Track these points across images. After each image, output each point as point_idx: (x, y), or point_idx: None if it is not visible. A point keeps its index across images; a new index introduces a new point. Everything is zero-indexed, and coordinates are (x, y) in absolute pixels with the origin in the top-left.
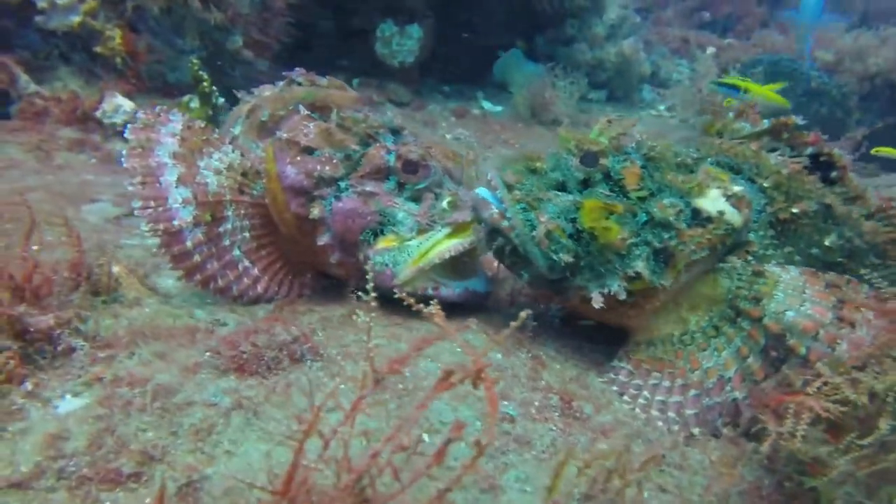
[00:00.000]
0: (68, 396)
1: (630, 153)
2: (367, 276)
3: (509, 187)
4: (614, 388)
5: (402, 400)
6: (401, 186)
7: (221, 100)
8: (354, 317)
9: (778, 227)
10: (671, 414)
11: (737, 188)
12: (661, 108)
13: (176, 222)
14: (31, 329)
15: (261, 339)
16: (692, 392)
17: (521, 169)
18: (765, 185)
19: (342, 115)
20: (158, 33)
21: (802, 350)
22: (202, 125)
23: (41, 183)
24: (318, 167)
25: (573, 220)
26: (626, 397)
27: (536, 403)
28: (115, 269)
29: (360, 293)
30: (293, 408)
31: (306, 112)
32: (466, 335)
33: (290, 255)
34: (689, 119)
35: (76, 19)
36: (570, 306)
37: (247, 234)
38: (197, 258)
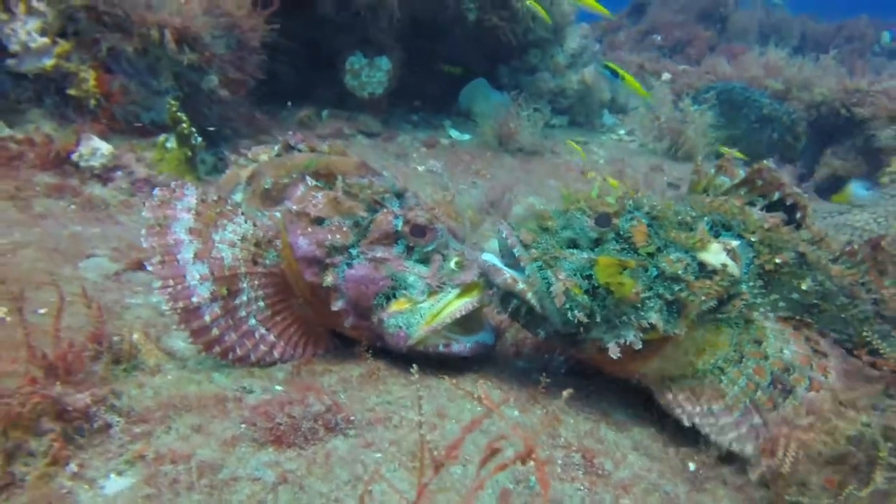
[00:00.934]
0: (113, 476)
1: (635, 212)
2: (384, 338)
3: (526, 247)
4: (686, 418)
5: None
6: (409, 250)
7: (199, 139)
8: (374, 378)
9: (764, 277)
10: (732, 435)
11: (734, 243)
12: (622, 132)
13: (195, 299)
14: (70, 408)
15: (296, 411)
16: (736, 413)
17: (533, 227)
18: (752, 239)
19: (348, 182)
20: (133, 74)
21: (806, 381)
22: (216, 198)
23: (30, 238)
24: (329, 237)
25: (588, 277)
26: (703, 426)
27: (560, 461)
28: (135, 336)
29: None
30: (336, 479)
31: (314, 182)
32: (480, 391)
33: (305, 316)
34: (648, 144)
35: (49, 62)
36: (583, 358)
37: (262, 304)
38: (215, 332)
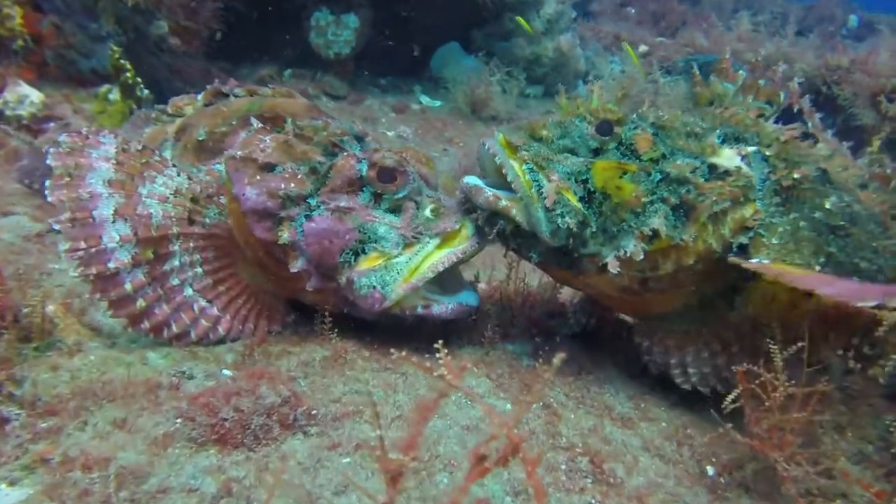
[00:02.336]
0: (3, 486)
1: (640, 121)
2: (355, 302)
3: (515, 149)
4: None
5: (422, 477)
6: (377, 198)
7: (146, 92)
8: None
9: (782, 195)
10: (726, 374)
11: (750, 148)
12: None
13: (112, 264)
14: None
15: (245, 403)
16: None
17: (525, 135)
18: (767, 153)
19: (299, 124)
20: (67, 14)
21: None
22: (140, 146)
23: None
24: (283, 185)
25: (584, 182)
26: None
27: (564, 467)
28: (50, 308)
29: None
30: (294, 491)
31: (259, 124)
32: (469, 380)
33: (256, 284)
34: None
35: None
36: (588, 288)
37: (199, 270)
38: (141, 303)
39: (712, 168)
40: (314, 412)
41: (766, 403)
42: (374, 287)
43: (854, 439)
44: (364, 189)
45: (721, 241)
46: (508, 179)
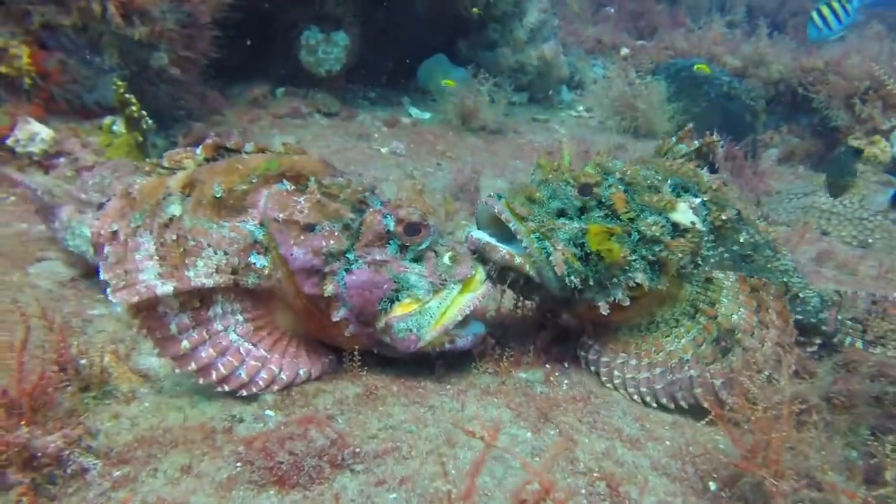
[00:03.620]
0: None
1: (610, 179)
2: (390, 344)
3: (522, 218)
4: (586, 364)
5: None
6: (403, 249)
7: (150, 122)
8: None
9: (714, 233)
10: (643, 389)
11: (696, 200)
12: (580, 108)
13: (157, 291)
14: (39, 455)
15: (298, 447)
16: (658, 370)
17: (523, 200)
18: (705, 198)
19: (324, 182)
20: (73, 51)
21: (747, 343)
22: (174, 236)
23: None
24: (324, 243)
25: (581, 245)
26: (599, 374)
27: (584, 491)
28: (106, 358)
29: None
30: None
31: (290, 186)
32: (492, 411)
33: (293, 330)
34: (606, 121)
35: None
36: (572, 316)
37: (240, 318)
38: (186, 344)
39: (675, 226)
40: (358, 450)
41: (745, 426)
42: (411, 330)
43: (839, 446)
44: (391, 242)
45: (678, 275)
46: (523, 246)
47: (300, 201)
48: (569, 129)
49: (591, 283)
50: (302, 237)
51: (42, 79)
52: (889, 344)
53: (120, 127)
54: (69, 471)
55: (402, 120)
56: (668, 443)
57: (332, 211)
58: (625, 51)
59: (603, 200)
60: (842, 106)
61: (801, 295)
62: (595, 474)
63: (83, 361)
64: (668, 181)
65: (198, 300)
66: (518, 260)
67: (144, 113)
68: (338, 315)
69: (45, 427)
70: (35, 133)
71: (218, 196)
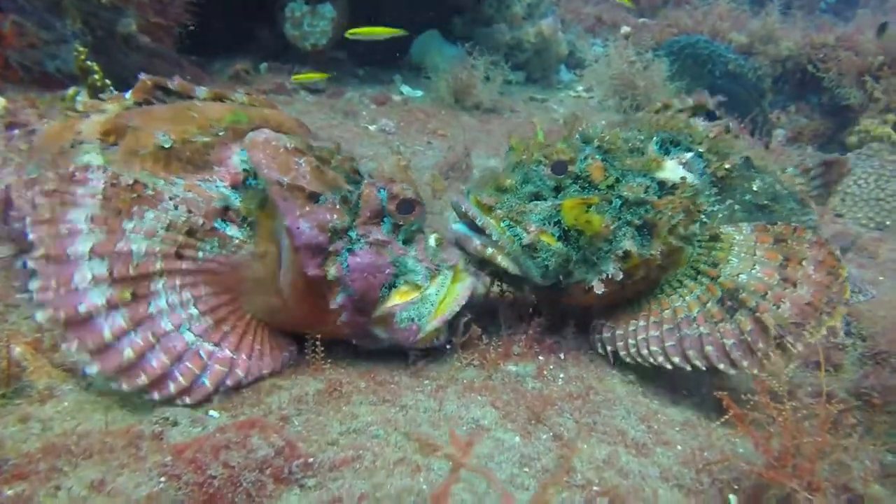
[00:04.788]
0: None
1: (586, 148)
2: (379, 335)
3: (489, 209)
4: (602, 346)
5: None
6: (396, 228)
7: (115, 92)
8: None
9: (718, 185)
10: (654, 348)
11: (687, 155)
12: (580, 88)
13: (82, 308)
14: None
15: (235, 457)
16: (666, 326)
17: (492, 190)
18: (700, 150)
19: (315, 145)
20: (29, 13)
21: (752, 303)
22: (132, 180)
23: None
24: (328, 217)
25: (558, 223)
26: (618, 351)
27: None
28: (18, 349)
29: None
30: None
31: (291, 143)
32: (474, 410)
33: (263, 316)
34: (607, 100)
35: None
36: (572, 303)
37: (194, 311)
38: (129, 353)
39: (662, 184)
40: (311, 461)
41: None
42: (413, 320)
43: (875, 449)
44: (385, 220)
45: (678, 237)
46: (493, 239)
47: (302, 164)
48: (567, 108)
49: (576, 260)
50: (307, 208)
51: None
52: None
53: (84, 96)
54: None
55: (393, 97)
56: (679, 447)
57: (331, 179)
58: (625, 29)
59: (580, 174)
60: (853, 83)
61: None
62: (595, 488)
63: None
64: (655, 138)
65: (130, 291)
66: (490, 250)
67: (108, 82)
68: (336, 301)
69: None
70: None
71: (166, 146)
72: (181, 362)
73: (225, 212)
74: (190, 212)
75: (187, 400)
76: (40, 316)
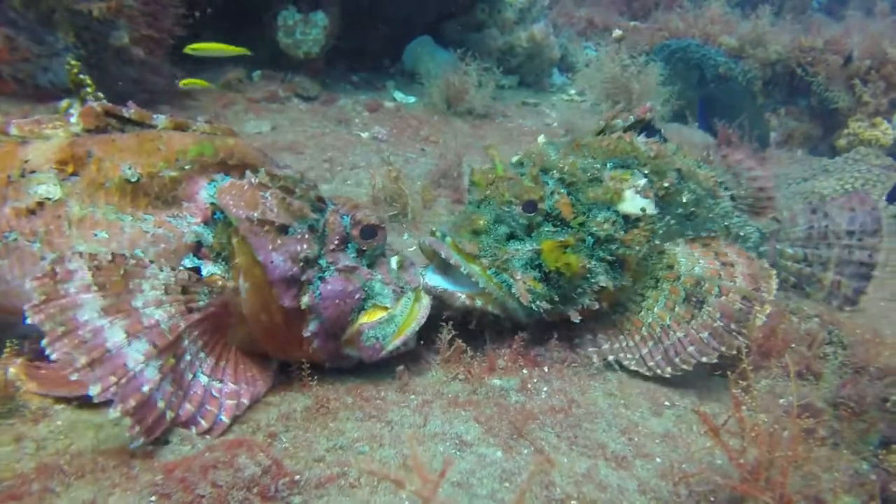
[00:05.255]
0: None
1: (551, 184)
2: (349, 355)
3: (474, 258)
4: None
5: None
6: (359, 252)
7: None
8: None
9: (659, 204)
10: (650, 363)
11: (641, 181)
12: (572, 92)
13: (146, 388)
14: None
15: (222, 477)
16: (650, 343)
17: (469, 235)
18: (646, 171)
19: (279, 174)
20: (22, 27)
21: (716, 289)
22: (110, 257)
23: None
24: (299, 248)
25: (538, 266)
26: (624, 361)
27: None
28: (12, 370)
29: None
30: None
31: (256, 178)
32: (458, 426)
33: (241, 345)
34: (599, 104)
35: None
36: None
37: (203, 355)
38: (170, 415)
39: (626, 218)
40: (297, 478)
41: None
42: (377, 339)
43: (849, 456)
44: (349, 245)
45: (640, 263)
46: (480, 286)
47: (268, 197)
48: (560, 112)
49: (557, 299)
50: (279, 241)
51: None
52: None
53: (77, 110)
54: None
55: (386, 104)
56: (658, 460)
57: (297, 210)
58: (617, 32)
59: (550, 212)
60: (842, 87)
61: (741, 234)
62: (573, 502)
63: None
64: (608, 164)
65: (172, 356)
66: (479, 301)
67: (101, 95)
68: (309, 329)
69: None
70: None
71: (134, 180)
72: (202, 406)
73: (198, 248)
74: (172, 269)
75: (208, 437)
76: (113, 413)
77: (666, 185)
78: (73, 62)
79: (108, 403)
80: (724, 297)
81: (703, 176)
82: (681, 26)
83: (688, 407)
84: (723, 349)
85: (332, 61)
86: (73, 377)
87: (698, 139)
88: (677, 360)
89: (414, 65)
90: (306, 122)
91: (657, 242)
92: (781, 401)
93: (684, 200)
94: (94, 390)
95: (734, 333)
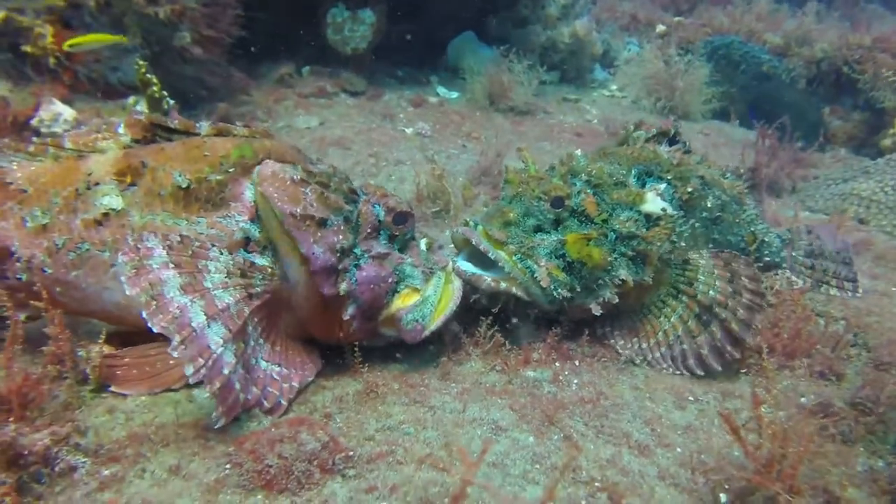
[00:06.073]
0: None
1: (578, 185)
2: (388, 335)
3: (502, 243)
4: (624, 353)
5: None
6: (392, 238)
7: (172, 102)
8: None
9: (684, 208)
10: (664, 364)
11: (661, 186)
12: (614, 87)
13: (226, 370)
14: (26, 452)
15: (287, 450)
16: (663, 349)
17: (500, 225)
18: (668, 177)
19: (314, 171)
20: (96, 30)
21: (723, 315)
22: (178, 236)
23: None
24: (336, 239)
25: (562, 256)
26: (637, 360)
27: (583, 503)
28: (102, 349)
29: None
30: None
31: (297, 174)
32: (494, 413)
33: (291, 331)
34: (640, 100)
35: None
36: (574, 317)
37: (262, 341)
38: (242, 397)
39: (648, 217)
40: (351, 454)
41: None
42: (417, 321)
43: (865, 454)
44: (381, 231)
45: (662, 262)
46: (506, 271)
47: (308, 193)
48: (600, 108)
49: (579, 289)
50: (319, 234)
51: (66, 58)
52: (817, 267)
53: (143, 106)
54: (57, 469)
55: (429, 99)
56: (679, 449)
57: (333, 203)
58: (661, 27)
59: (576, 209)
60: (889, 86)
61: (765, 240)
62: (597, 484)
63: (81, 353)
64: (632, 171)
65: (241, 341)
66: (504, 284)
67: (166, 93)
68: (348, 312)
69: (34, 424)
70: (58, 113)
71: (185, 186)
72: (265, 388)
73: (247, 243)
74: (230, 253)
75: (269, 417)
76: (205, 395)
77: (690, 189)
78: (140, 62)
79: (188, 385)
80: (730, 323)
81: (729, 185)
82: (725, 22)
83: (711, 402)
84: (718, 368)
85: (377, 57)
86: (174, 354)
87: (739, 137)
88: (682, 367)
89: (457, 61)
90: (353, 117)
91: (682, 245)
92: (802, 399)
93: (709, 205)
94: (189, 370)
95: (731, 354)
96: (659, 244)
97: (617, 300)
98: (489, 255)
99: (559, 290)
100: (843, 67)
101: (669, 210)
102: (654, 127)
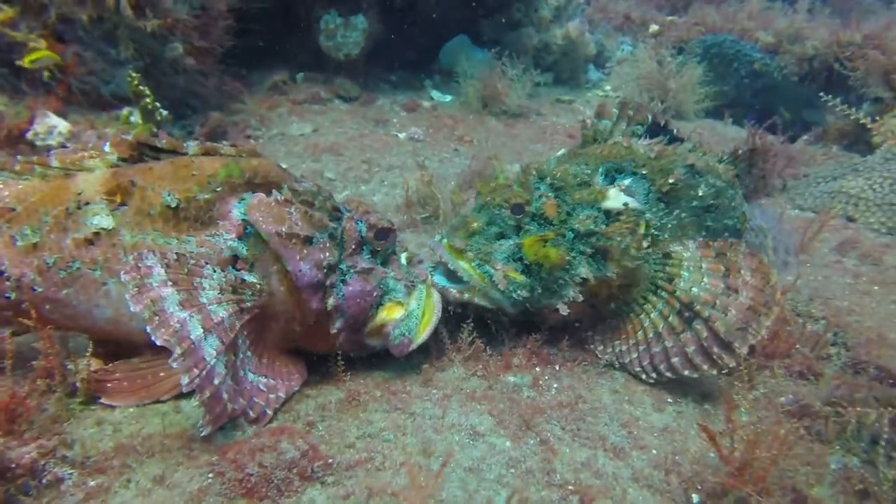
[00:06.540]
0: None
1: (539, 187)
2: (374, 347)
3: (461, 252)
4: (604, 358)
5: None
6: (374, 253)
7: (165, 113)
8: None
9: (664, 200)
10: (636, 368)
11: (626, 181)
12: (608, 88)
13: (216, 381)
14: (13, 465)
15: (268, 459)
16: (641, 347)
17: (464, 235)
18: (644, 172)
19: (298, 189)
20: (88, 43)
21: (706, 314)
22: (174, 255)
23: None
24: (322, 255)
25: (520, 259)
26: (626, 363)
27: None
28: (93, 363)
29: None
30: None
31: (281, 195)
32: (472, 418)
33: (278, 343)
34: (635, 100)
35: None
36: (552, 320)
37: (249, 353)
38: (230, 407)
39: (608, 213)
40: (330, 461)
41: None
42: (404, 335)
43: (840, 452)
44: (364, 247)
45: (632, 259)
46: (464, 280)
47: (293, 212)
48: (594, 109)
49: (540, 290)
50: (305, 251)
51: (60, 71)
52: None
53: (137, 118)
54: (44, 481)
55: (423, 104)
56: (654, 451)
57: (318, 221)
58: (654, 27)
59: (536, 213)
60: (880, 83)
61: (747, 213)
62: (570, 487)
63: (70, 367)
64: (601, 169)
65: (232, 353)
66: (466, 295)
67: (158, 105)
68: (335, 326)
69: (23, 438)
70: (53, 126)
71: (174, 206)
72: (252, 399)
73: (235, 260)
74: (222, 270)
75: (254, 427)
76: (192, 404)
77: (671, 181)
78: (133, 74)
79: (175, 397)
80: (714, 322)
81: (723, 169)
82: (718, 21)
83: (689, 404)
84: (705, 368)
85: (370, 62)
86: (174, 365)
87: (732, 135)
88: (661, 367)
89: (450, 64)
90: (347, 123)
91: (666, 237)
92: (781, 399)
93: (700, 194)
94: (184, 380)
95: (719, 357)
96: (619, 239)
97: (582, 299)
98: (450, 266)
99: (518, 292)
100: (835, 64)
101: (633, 204)
102: (614, 110)
